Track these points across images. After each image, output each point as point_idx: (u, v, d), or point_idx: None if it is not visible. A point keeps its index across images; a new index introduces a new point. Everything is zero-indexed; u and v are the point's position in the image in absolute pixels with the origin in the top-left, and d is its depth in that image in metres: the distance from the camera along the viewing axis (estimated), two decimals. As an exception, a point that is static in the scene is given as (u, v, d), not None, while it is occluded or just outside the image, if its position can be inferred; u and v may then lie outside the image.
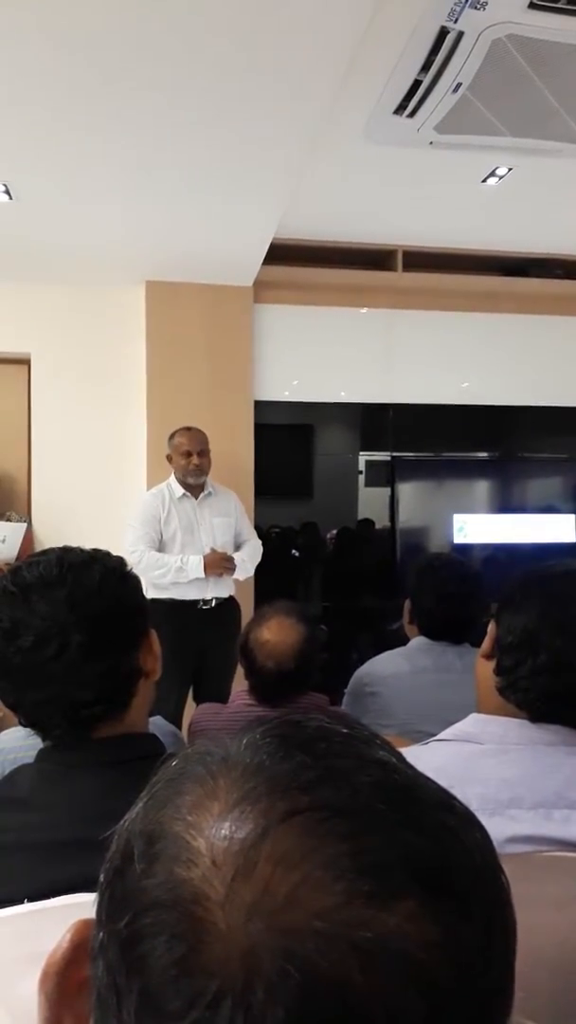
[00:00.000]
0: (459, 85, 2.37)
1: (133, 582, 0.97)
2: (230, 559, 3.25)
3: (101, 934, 0.33)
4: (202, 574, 3.17)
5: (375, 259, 3.95)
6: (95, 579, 0.91)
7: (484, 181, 3.13)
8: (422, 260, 3.93)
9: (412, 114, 2.54)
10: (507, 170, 3.04)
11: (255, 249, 3.40)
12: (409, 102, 2.48)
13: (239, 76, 2.09)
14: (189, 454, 3.27)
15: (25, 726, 0.92)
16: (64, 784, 0.88)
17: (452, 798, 0.36)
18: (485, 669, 1.09)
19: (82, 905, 0.85)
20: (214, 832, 0.32)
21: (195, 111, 2.26)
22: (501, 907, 0.33)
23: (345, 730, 0.37)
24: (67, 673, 0.87)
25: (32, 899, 0.81)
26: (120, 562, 0.96)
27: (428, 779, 0.36)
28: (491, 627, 1.11)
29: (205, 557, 3.19)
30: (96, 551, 0.96)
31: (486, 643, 1.11)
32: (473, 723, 1.07)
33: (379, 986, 0.28)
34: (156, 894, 0.31)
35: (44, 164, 2.58)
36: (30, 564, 0.92)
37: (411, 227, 3.69)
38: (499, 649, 1.06)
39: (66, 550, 0.94)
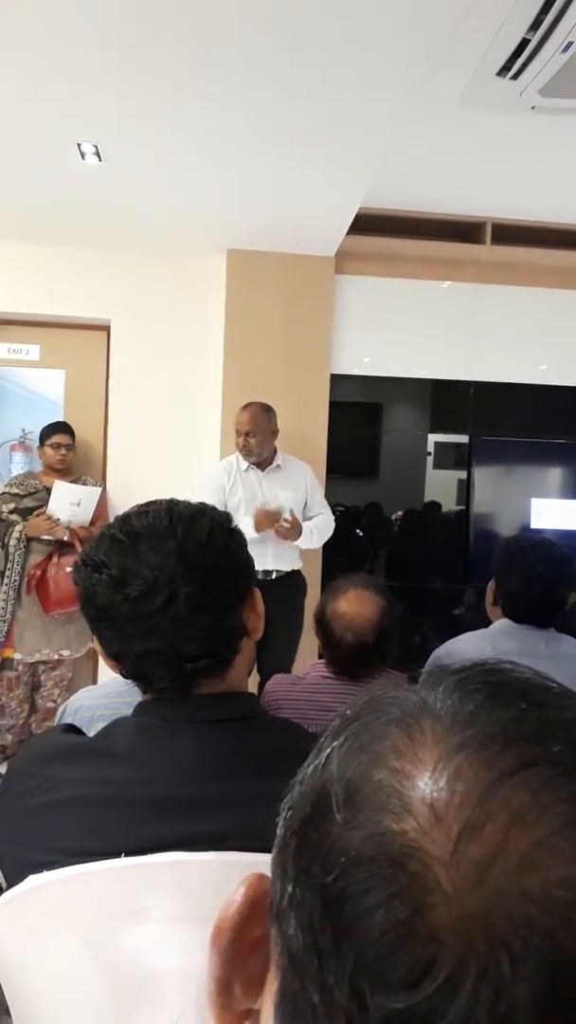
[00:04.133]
0: (570, 44, 2.25)
1: (239, 538, 0.94)
2: (279, 516, 3.16)
3: (293, 888, 0.30)
4: (254, 532, 3.07)
5: (463, 231, 3.82)
6: (204, 531, 0.89)
7: (585, 150, 2.99)
8: (512, 234, 3.79)
9: (516, 76, 2.43)
10: (611, 138, 2.89)
11: (341, 218, 3.32)
12: (514, 63, 2.37)
13: (336, 38, 2.01)
14: (243, 433, 3.28)
15: (126, 677, 0.91)
16: (164, 740, 0.86)
17: None
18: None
19: (182, 863, 0.83)
20: (431, 782, 0.29)
21: (287, 74, 2.19)
22: None
23: (555, 683, 0.33)
24: (173, 625, 0.85)
25: (130, 854, 0.80)
26: (227, 517, 0.93)
27: None
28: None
29: (254, 515, 3.14)
30: (203, 504, 0.93)
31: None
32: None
33: None
34: (365, 848, 0.28)
35: (134, 126, 2.55)
36: (139, 513, 0.90)
37: (502, 199, 3.55)
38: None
39: (174, 502, 0.92)
